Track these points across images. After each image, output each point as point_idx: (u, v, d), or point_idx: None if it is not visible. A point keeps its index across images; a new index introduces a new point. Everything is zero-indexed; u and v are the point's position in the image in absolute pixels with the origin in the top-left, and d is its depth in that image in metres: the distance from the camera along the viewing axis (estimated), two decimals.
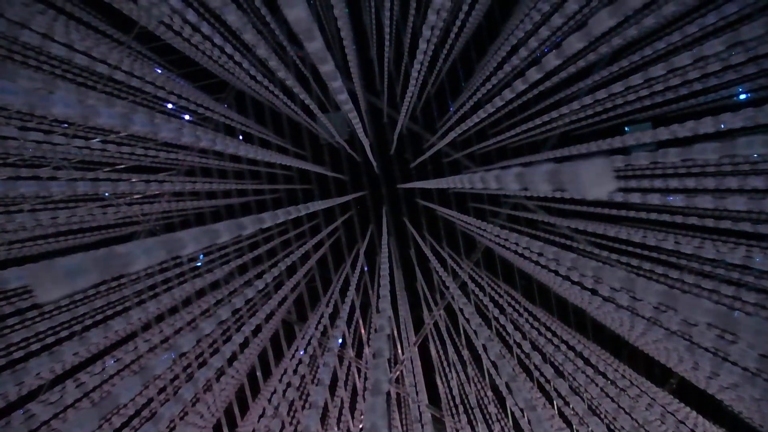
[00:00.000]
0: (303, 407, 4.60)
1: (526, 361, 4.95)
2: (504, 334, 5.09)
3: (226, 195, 6.12)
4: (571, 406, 5.07)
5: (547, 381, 4.90)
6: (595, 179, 0.68)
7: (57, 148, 3.39)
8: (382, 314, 1.45)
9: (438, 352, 5.50)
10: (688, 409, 4.66)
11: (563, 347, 3.62)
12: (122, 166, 5.05)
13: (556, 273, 3.36)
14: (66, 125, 4.14)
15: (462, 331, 5.49)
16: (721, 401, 4.59)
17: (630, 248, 4.53)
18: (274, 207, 5.54)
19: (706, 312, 1.16)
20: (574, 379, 2.82)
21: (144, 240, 0.99)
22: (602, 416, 3.21)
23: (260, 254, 5.07)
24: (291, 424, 4.14)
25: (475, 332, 5.21)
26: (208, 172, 6.13)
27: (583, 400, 2.51)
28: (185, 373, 3.85)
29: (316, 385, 1.86)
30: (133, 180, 3.98)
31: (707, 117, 2.16)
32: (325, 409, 4.98)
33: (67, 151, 3.64)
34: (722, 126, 2.11)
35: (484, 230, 3.99)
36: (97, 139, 4.15)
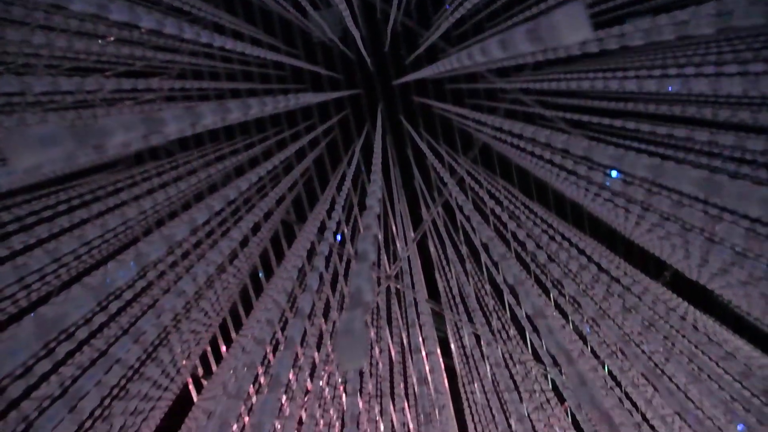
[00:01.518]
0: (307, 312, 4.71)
1: (523, 254, 5.04)
2: (501, 227, 5.16)
3: (219, 97, 6.03)
4: (565, 291, 5.22)
5: (543, 271, 5.01)
6: (571, 25, 0.67)
7: (41, 51, 3.31)
8: (370, 211, 1.43)
9: (437, 248, 5.59)
10: (680, 300, 4.79)
11: (559, 237, 3.69)
12: (110, 73, 4.94)
13: (551, 163, 3.36)
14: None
15: (460, 228, 5.56)
16: (711, 292, 4.70)
17: (623, 140, 4.50)
18: None
19: (691, 180, 1.16)
20: (568, 268, 2.88)
21: (124, 115, 0.97)
22: (594, 299, 3.28)
23: (256, 156, 5.05)
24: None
25: (473, 228, 5.27)
26: (200, 74, 6.02)
27: (577, 284, 2.57)
28: (184, 266, 3.92)
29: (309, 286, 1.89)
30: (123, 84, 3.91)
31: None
32: (327, 306, 5.12)
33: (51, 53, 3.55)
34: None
35: (482, 123, 3.95)
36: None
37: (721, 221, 1.88)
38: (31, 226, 3.49)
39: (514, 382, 4.73)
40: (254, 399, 5.08)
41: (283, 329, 4.97)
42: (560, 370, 4.76)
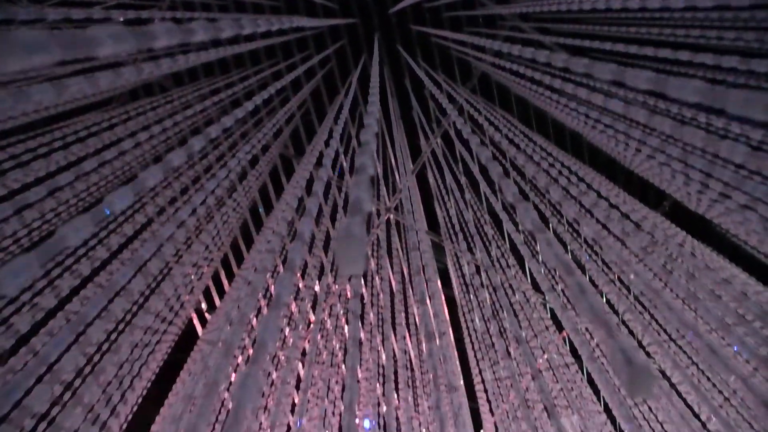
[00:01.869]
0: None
1: (522, 183, 5.04)
2: (500, 154, 5.13)
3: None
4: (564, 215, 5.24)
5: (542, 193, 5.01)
6: None
7: None
8: (368, 129, 1.41)
9: (436, 179, 5.58)
10: (679, 230, 4.81)
11: (558, 165, 3.66)
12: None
13: (551, 88, 3.32)
14: None
15: (459, 158, 5.53)
16: (710, 223, 4.72)
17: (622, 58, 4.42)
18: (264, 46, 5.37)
19: (695, 90, 1.14)
20: (568, 190, 2.87)
21: (113, 25, 0.94)
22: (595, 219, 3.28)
23: (252, 89, 4.97)
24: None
25: (471, 155, 5.24)
26: (191, 5, 5.86)
27: (577, 204, 2.57)
28: (183, 200, 3.92)
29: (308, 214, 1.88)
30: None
31: None
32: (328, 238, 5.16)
33: None
34: None
35: (480, 49, 3.88)
36: None
37: (724, 139, 1.87)
38: (27, 162, 3.48)
39: (513, 310, 4.80)
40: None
41: (284, 262, 5.00)
42: (562, 291, 4.84)
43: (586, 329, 5.11)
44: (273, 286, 5.19)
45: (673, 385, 5.02)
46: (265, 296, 4.77)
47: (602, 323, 0.98)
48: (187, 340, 5.32)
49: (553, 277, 5.08)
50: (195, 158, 4.15)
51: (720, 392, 4.62)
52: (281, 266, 5.10)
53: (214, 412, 3.57)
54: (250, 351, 4.29)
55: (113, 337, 3.55)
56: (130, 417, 4.42)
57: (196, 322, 6.59)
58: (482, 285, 4.59)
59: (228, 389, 3.84)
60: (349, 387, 1.94)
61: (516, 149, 2.74)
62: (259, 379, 1.07)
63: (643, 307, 5.07)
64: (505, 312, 3.70)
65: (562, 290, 4.77)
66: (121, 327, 3.61)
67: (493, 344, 4.41)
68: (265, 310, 5.16)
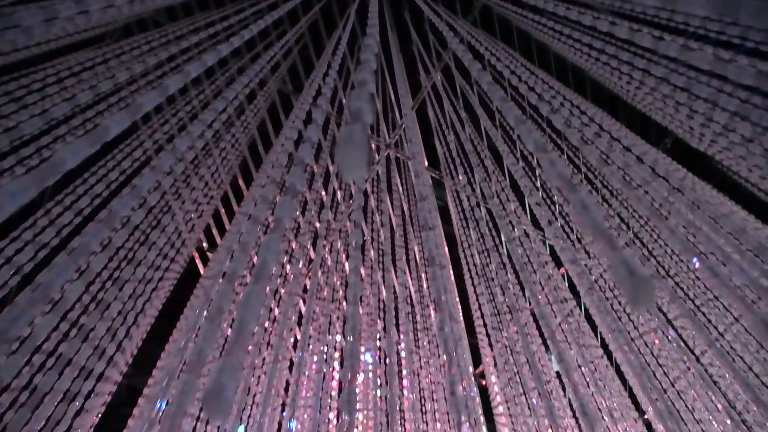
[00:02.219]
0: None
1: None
2: (500, 78, 5.05)
3: None
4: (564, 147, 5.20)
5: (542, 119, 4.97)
6: None
7: None
8: (367, 47, 1.37)
9: (436, 113, 5.52)
10: (680, 167, 4.78)
11: (560, 98, 3.61)
12: None
13: (554, 16, 3.24)
14: None
15: (459, 93, 5.46)
16: (710, 161, 4.68)
17: None
18: None
19: (705, 2, 1.10)
20: (570, 121, 2.84)
21: None
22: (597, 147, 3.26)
23: (248, 23, 4.85)
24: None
25: (472, 87, 5.18)
26: None
27: (580, 132, 2.54)
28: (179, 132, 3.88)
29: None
30: None
31: None
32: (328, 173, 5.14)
33: None
34: None
35: None
36: None
37: (733, 62, 1.83)
38: (20, 98, 3.43)
39: (513, 244, 4.82)
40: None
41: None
42: (560, 222, 4.85)
43: (585, 265, 5.15)
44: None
45: (669, 321, 5.11)
46: (265, 231, 4.77)
47: (605, 236, 0.98)
48: (189, 279, 5.38)
49: (552, 205, 5.08)
50: (191, 92, 4.10)
51: (716, 327, 4.70)
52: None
53: (220, 337, 3.62)
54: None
55: (116, 272, 3.59)
56: (135, 352, 4.50)
57: (198, 261, 6.64)
58: (482, 219, 4.60)
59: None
60: (351, 316, 1.97)
61: (518, 80, 2.69)
62: (262, 297, 1.08)
63: (642, 243, 5.10)
64: (504, 246, 3.72)
65: (561, 224, 4.78)
66: (123, 262, 3.63)
67: (493, 278, 4.45)
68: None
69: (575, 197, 1.07)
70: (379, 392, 3.90)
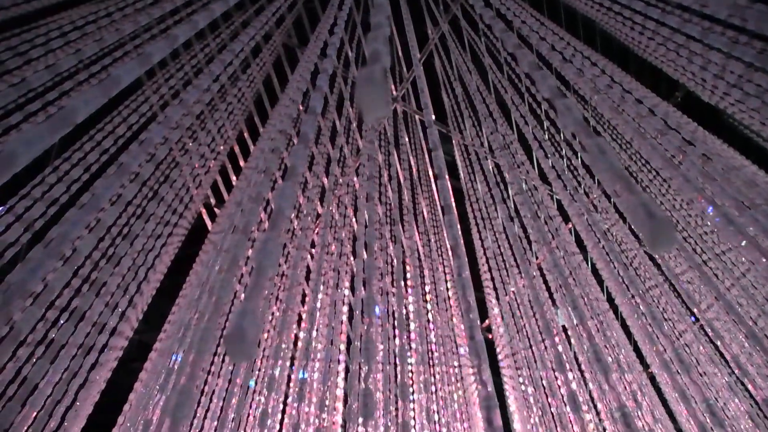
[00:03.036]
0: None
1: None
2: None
3: None
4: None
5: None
6: None
7: None
8: (380, 9, 1.34)
9: (444, 65, 5.45)
10: (690, 120, 4.74)
11: (571, 49, 3.56)
12: None
13: None
14: None
15: (467, 45, 5.37)
16: (721, 115, 4.63)
17: None
18: None
19: None
20: (582, 72, 2.80)
21: None
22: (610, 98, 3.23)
23: None
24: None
25: (481, 37, 5.09)
26: None
27: (591, 83, 2.51)
28: (184, 87, 3.85)
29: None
30: None
31: None
32: (334, 130, 5.11)
33: None
34: None
35: None
36: None
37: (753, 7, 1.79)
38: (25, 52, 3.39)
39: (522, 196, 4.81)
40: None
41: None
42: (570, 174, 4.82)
43: (588, 221, 5.14)
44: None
45: (667, 279, 5.13)
46: (273, 187, 4.77)
47: (624, 180, 0.97)
48: (197, 234, 5.41)
49: (561, 159, 5.04)
50: (195, 47, 4.05)
51: (723, 281, 4.73)
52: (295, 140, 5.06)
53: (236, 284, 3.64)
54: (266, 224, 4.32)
55: (126, 227, 3.61)
56: (145, 308, 4.56)
57: (205, 217, 6.65)
58: (491, 171, 4.58)
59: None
60: (368, 265, 1.98)
61: (529, 30, 2.65)
62: (279, 243, 1.08)
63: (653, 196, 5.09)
64: (512, 200, 3.72)
65: (570, 175, 4.75)
66: (132, 218, 3.65)
67: (501, 230, 4.46)
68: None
69: (592, 142, 1.06)
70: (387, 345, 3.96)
